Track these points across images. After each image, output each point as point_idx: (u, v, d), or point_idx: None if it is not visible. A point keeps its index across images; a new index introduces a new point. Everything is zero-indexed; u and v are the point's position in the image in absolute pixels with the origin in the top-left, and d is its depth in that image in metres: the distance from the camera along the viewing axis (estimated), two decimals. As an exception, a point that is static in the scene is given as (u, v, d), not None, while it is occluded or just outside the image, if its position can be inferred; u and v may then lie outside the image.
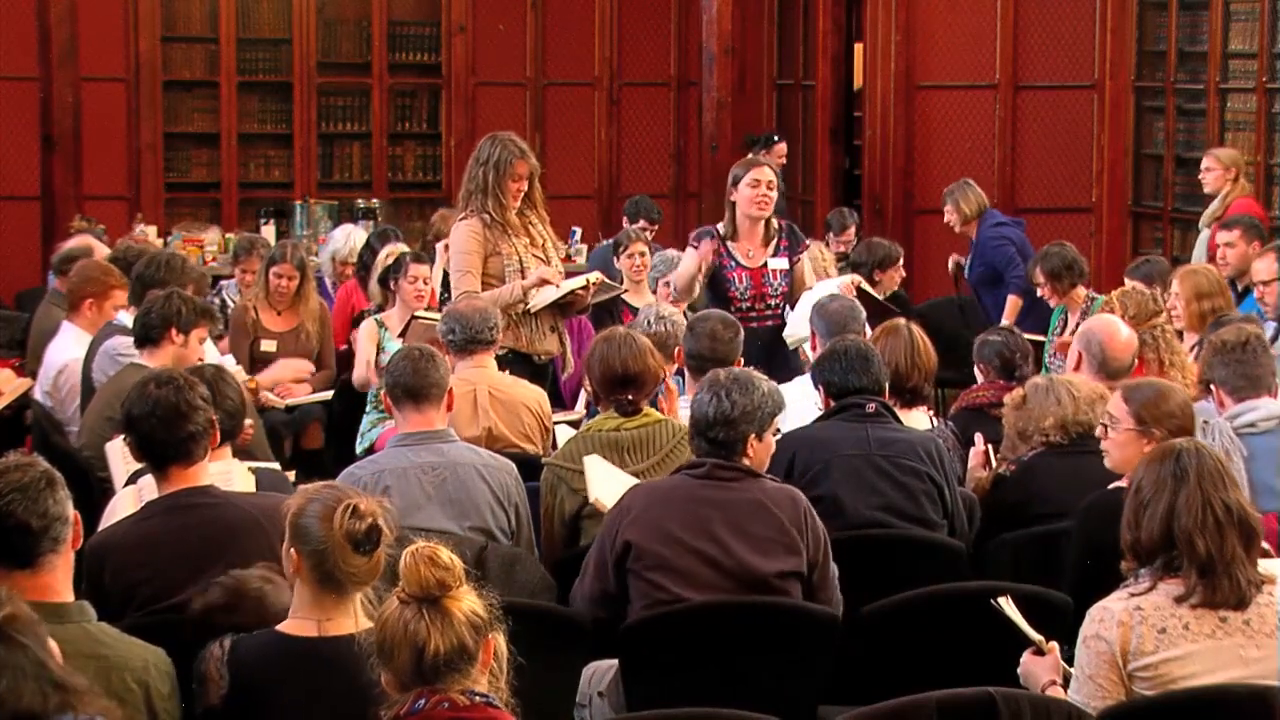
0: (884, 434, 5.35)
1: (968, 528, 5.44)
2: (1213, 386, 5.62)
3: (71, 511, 3.58)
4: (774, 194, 7.57)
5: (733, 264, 7.50)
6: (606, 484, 5.19)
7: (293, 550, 3.64)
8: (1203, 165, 9.40)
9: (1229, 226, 8.32)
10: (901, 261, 9.63)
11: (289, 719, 3.55)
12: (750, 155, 11.44)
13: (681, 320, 6.66)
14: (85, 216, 10.69)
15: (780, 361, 7.07)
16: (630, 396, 5.47)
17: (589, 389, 5.78)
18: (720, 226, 7.59)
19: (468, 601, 3.24)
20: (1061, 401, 5.48)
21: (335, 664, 3.52)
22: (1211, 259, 8.25)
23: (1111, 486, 5.00)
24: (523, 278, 7.03)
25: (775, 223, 7.62)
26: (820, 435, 5.38)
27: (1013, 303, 9.46)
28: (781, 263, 7.56)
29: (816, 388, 5.61)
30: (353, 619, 3.62)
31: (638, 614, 4.59)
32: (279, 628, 3.68)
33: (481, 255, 7.05)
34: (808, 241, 8.13)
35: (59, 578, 3.56)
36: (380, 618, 3.27)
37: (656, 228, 10.60)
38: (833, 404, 5.48)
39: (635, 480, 5.27)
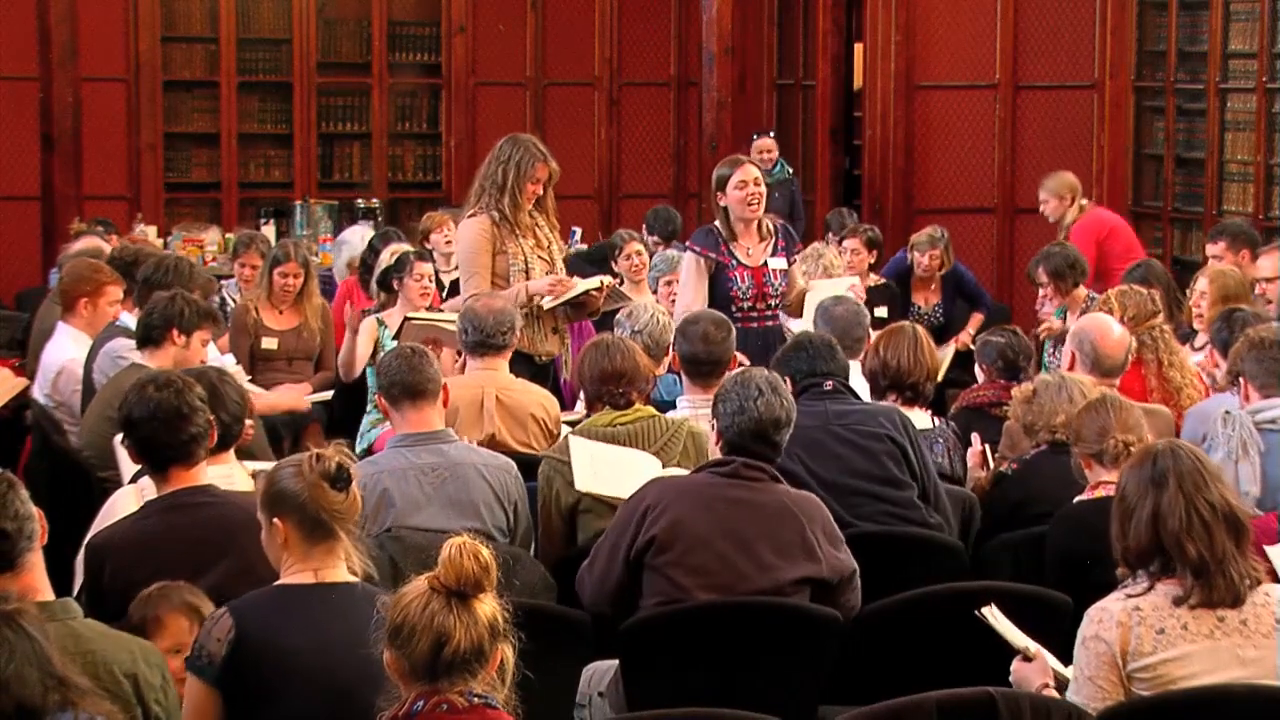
0: (840, 407, 5.46)
1: (942, 499, 5.44)
2: (1241, 379, 5.64)
3: (34, 508, 3.61)
4: (762, 189, 7.48)
5: (734, 263, 7.40)
6: (592, 468, 5.20)
7: (275, 520, 3.72)
8: (1040, 198, 9.93)
9: (1215, 238, 8.30)
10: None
11: (295, 662, 3.60)
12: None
13: (668, 320, 6.66)
14: (86, 219, 10.68)
15: None
16: (621, 389, 5.54)
17: (583, 394, 5.82)
18: (718, 225, 7.49)
19: (490, 605, 3.26)
20: (1073, 399, 5.46)
21: (336, 606, 3.60)
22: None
23: (1076, 500, 5.01)
24: (527, 278, 7.04)
25: (769, 223, 7.59)
26: None
27: (979, 319, 9.63)
28: (780, 263, 7.50)
29: (783, 378, 5.63)
30: (344, 570, 3.73)
31: (647, 609, 4.59)
32: (276, 583, 3.75)
33: (490, 254, 7.05)
34: (800, 243, 8.14)
35: (38, 576, 3.60)
36: (403, 599, 3.26)
37: (667, 247, 10.40)
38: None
39: (621, 451, 5.28)
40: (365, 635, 3.36)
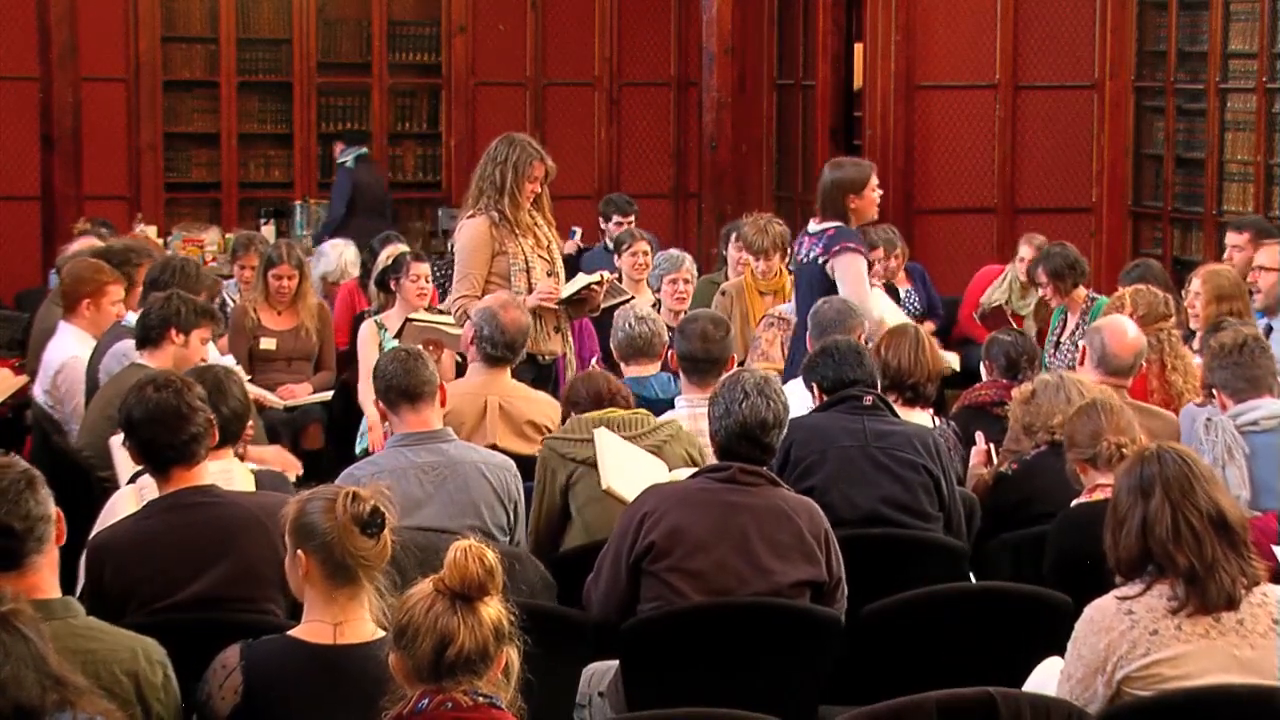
0: (880, 426, 5.36)
1: (965, 527, 5.44)
2: (1215, 391, 5.62)
3: (54, 509, 3.58)
4: None
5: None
6: (619, 466, 5.20)
7: (299, 552, 3.64)
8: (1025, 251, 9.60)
9: (1239, 229, 8.26)
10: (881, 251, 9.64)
11: None
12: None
13: (661, 320, 6.68)
14: (90, 219, 10.68)
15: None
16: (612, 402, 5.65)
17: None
18: (842, 225, 7.10)
19: (496, 608, 3.25)
20: (1071, 400, 5.45)
21: (352, 674, 3.52)
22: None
23: (1075, 503, 5.00)
24: (528, 277, 7.05)
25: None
26: (817, 425, 5.38)
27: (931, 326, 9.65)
28: None
29: (809, 387, 5.61)
30: (368, 623, 3.63)
31: (646, 611, 4.58)
32: (293, 633, 3.67)
33: (488, 256, 7.04)
34: None
35: (45, 577, 3.56)
36: (408, 600, 3.25)
37: (632, 220, 10.42)
38: (826, 399, 5.49)
39: (648, 459, 5.29)
40: (379, 701, 3.30)
